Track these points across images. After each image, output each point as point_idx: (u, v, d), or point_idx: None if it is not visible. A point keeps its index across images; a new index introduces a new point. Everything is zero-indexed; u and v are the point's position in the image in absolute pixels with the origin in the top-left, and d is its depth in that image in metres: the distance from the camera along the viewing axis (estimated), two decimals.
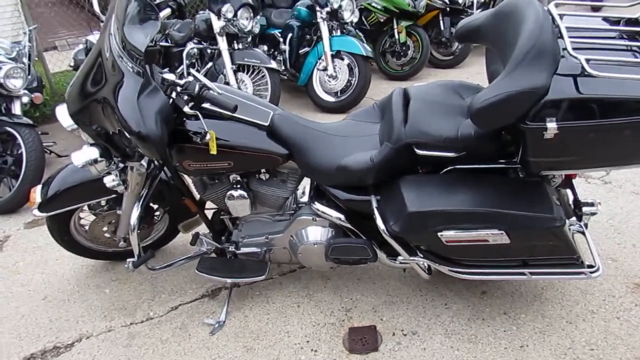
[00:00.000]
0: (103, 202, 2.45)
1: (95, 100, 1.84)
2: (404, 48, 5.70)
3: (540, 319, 2.16)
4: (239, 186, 2.14)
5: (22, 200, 3.44)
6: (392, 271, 2.51)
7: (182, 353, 2.13)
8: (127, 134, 1.74)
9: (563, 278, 2.16)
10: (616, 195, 3.07)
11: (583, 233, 2.02)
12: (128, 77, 1.76)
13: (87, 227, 2.55)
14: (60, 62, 6.12)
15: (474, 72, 6.02)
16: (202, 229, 2.47)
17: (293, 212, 2.27)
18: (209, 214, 2.41)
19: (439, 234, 1.83)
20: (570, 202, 2.04)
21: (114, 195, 2.32)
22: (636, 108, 1.52)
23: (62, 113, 1.99)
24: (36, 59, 4.74)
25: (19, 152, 3.54)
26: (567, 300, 2.24)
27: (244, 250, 2.31)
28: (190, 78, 1.92)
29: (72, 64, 5.13)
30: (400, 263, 2.11)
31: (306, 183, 2.27)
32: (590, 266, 1.93)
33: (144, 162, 2.04)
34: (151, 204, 2.45)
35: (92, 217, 2.52)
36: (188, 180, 2.31)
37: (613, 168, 1.75)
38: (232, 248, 2.32)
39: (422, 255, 2.01)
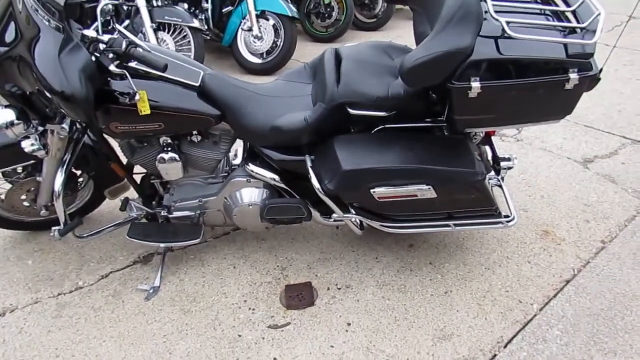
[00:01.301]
0: (19, 169, 2.30)
1: (9, 58, 1.70)
2: (328, 9, 5.69)
3: (462, 267, 2.33)
4: (169, 149, 2.09)
5: None
6: (324, 229, 2.59)
7: (117, 320, 2.10)
8: (48, 94, 1.64)
9: (483, 228, 2.33)
10: (527, 152, 3.32)
11: (500, 186, 2.19)
12: (45, 33, 1.64)
13: (2, 196, 2.39)
14: None
15: (395, 35, 6.13)
16: (131, 194, 2.40)
17: (226, 174, 2.25)
18: (138, 178, 2.34)
19: (371, 190, 1.90)
20: (489, 158, 2.18)
21: (31, 161, 2.18)
22: (548, 68, 1.66)
23: None
24: None
25: None
26: (485, 248, 2.44)
27: (176, 214, 2.27)
28: (115, 35, 1.82)
29: None
30: (334, 221, 2.18)
31: (239, 144, 2.25)
32: (507, 216, 2.11)
33: (65, 125, 1.93)
34: (74, 170, 2.33)
35: (8, 185, 2.36)
36: (114, 143, 2.21)
37: (530, 125, 1.90)
38: (164, 212, 2.27)
39: (355, 212, 2.09)
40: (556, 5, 1.77)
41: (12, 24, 1.71)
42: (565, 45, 1.64)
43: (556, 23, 1.70)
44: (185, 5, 4.88)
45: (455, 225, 2.09)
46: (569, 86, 1.66)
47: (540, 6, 1.78)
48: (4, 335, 2.03)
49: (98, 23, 2.02)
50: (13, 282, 2.31)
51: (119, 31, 1.83)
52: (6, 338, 2.02)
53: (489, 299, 2.16)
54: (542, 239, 2.51)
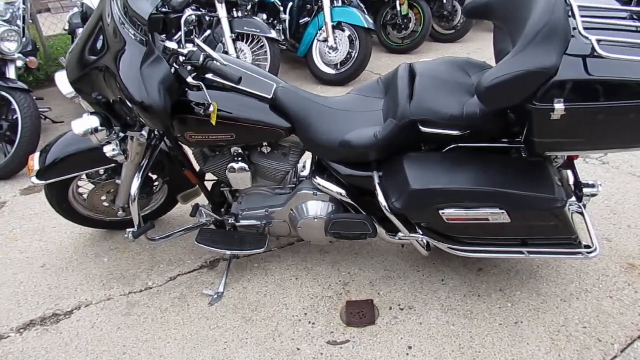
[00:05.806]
0: (102, 172, 2.44)
1: (97, 68, 1.81)
2: (405, 21, 5.61)
3: (535, 297, 2.19)
4: (240, 159, 2.13)
5: (18, 167, 3.42)
6: (389, 246, 2.53)
7: (182, 323, 2.16)
8: (129, 104, 1.72)
9: (561, 257, 2.19)
10: (613, 176, 3.08)
11: (582, 214, 2.04)
12: (130, 46, 1.73)
13: (85, 196, 2.54)
14: (55, 26, 6.00)
15: (475, 47, 5.96)
16: (201, 200, 2.47)
17: (294, 186, 2.26)
18: (209, 185, 2.40)
19: (440, 211, 1.83)
20: (571, 182, 2.04)
21: (112, 165, 2.30)
22: None
23: (62, 80, 1.95)
24: (30, 21, 4.63)
25: (14, 117, 3.49)
26: (562, 279, 2.28)
27: (243, 222, 2.31)
28: (193, 47, 1.89)
29: (66, 27, 5.03)
30: (400, 239, 2.12)
31: (307, 157, 2.26)
32: (588, 246, 1.95)
33: (144, 132, 2.02)
34: (150, 175, 2.44)
35: (91, 186, 2.51)
36: (188, 151, 2.29)
37: (617, 150, 1.75)
38: (231, 220, 2.32)
39: (422, 233, 2.03)
40: None
41: (102, 37, 1.81)
42: None
43: None
44: (264, 17, 5.02)
45: (530, 252, 1.96)
46: None
47: (637, 24, 1.64)
48: (78, 328, 2.15)
49: (182, 33, 2.09)
50: (89, 277, 2.44)
51: (198, 45, 1.89)
52: (80, 332, 2.13)
53: (563, 334, 2.01)
54: (627, 273, 2.30)
